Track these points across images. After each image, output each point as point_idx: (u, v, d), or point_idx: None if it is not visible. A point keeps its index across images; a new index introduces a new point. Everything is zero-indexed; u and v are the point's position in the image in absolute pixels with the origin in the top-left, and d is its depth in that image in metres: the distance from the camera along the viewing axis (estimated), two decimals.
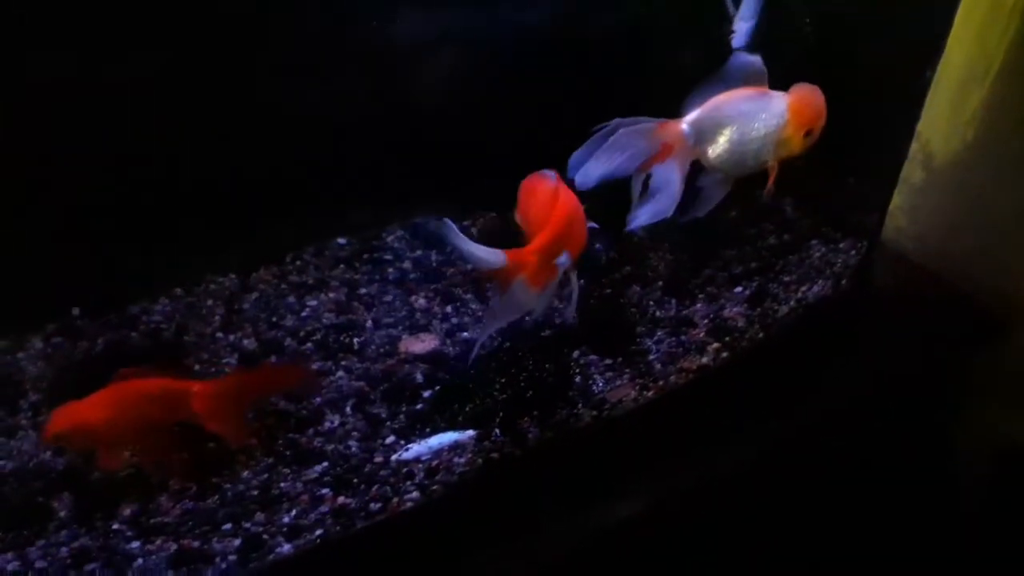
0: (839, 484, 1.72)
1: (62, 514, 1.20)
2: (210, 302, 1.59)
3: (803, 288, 1.64)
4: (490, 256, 1.27)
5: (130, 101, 1.40)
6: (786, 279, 1.66)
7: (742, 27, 1.69)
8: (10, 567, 1.13)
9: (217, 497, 1.22)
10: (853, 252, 1.72)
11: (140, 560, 1.14)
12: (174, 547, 1.16)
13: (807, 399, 1.56)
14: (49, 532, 1.18)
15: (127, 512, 1.20)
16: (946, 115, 1.76)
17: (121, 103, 1.39)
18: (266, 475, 1.26)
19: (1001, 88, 1.65)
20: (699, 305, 1.61)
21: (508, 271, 1.28)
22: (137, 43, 1.38)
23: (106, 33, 1.35)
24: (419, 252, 1.73)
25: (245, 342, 1.50)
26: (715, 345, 1.52)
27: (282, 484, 1.25)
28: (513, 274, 1.28)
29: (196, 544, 1.16)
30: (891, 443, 1.77)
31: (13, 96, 1.30)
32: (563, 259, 1.34)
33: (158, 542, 1.16)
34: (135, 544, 1.16)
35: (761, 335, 1.57)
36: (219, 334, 1.51)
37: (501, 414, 1.36)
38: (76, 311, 1.52)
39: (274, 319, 1.56)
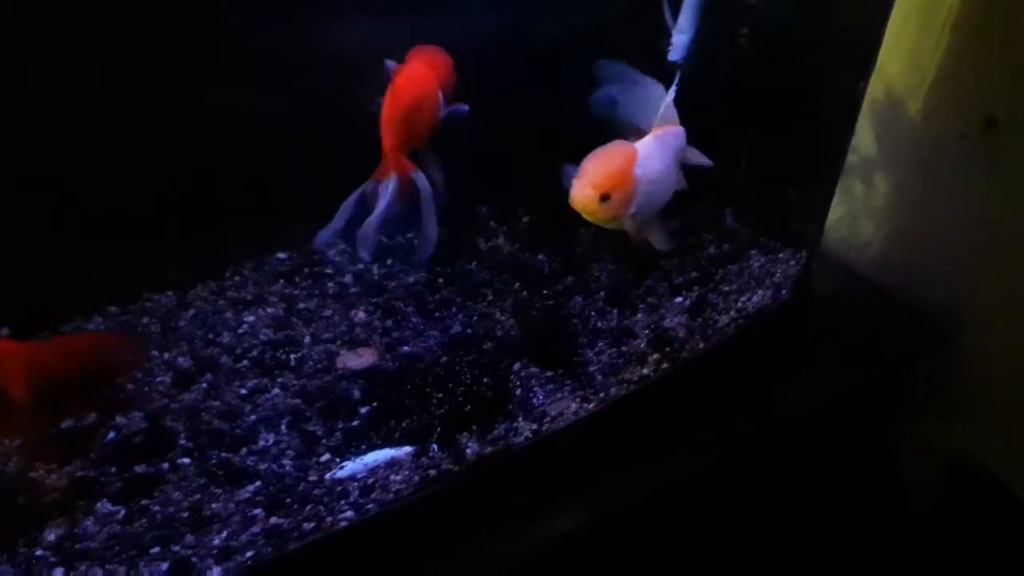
0: (782, 495, 1.73)
1: None
2: (146, 320, 1.56)
3: (743, 298, 1.65)
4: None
5: (66, 113, 1.38)
6: (726, 289, 1.67)
7: (679, 40, 1.70)
8: None
9: (145, 520, 1.20)
10: (793, 263, 1.73)
11: None
12: (100, 574, 1.13)
13: (749, 410, 1.57)
14: None
15: (51, 537, 1.17)
16: (882, 128, 1.78)
17: (57, 115, 1.37)
18: (197, 495, 1.24)
19: (936, 101, 1.68)
20: (640, 315, 1.61)
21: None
22: (75, 55, 1.37)
23: (45, 47, 1.33)
24: (360, 266, 1.72)
25: (180, 360, 1.48)
26: (656, 356, 1.52)
27: (213, 505, 1.23)
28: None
29: (123, 570, 1.14)
30: (835, 455, 1.79)
31: None
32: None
33: (82, 568, 1.13)
34: (58, 571, 1.13)
35: (701, 345, 1.57)
36: (154, 352, 1.49)
37: (439, 429, 1.35)
38: (5, 331, 1.48)
39: (211, 336, 1.54)
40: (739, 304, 1.64)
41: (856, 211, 1.91)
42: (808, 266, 1.75)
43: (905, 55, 1.68)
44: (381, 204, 1.47)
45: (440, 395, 1.40)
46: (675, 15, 1.71)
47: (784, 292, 1.69)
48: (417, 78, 1.48)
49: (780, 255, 1.75)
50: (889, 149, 1.82)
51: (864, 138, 1.83)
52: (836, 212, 1.89)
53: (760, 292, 1.67)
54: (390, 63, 1.45)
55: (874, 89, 1.74)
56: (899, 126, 1.77)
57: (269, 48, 1.52)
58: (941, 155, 1.73)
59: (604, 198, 1.33)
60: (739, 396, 1.56)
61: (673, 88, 1.44)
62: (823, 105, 1.67)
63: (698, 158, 1.54)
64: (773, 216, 1.82)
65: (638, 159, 1.37)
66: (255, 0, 1.50)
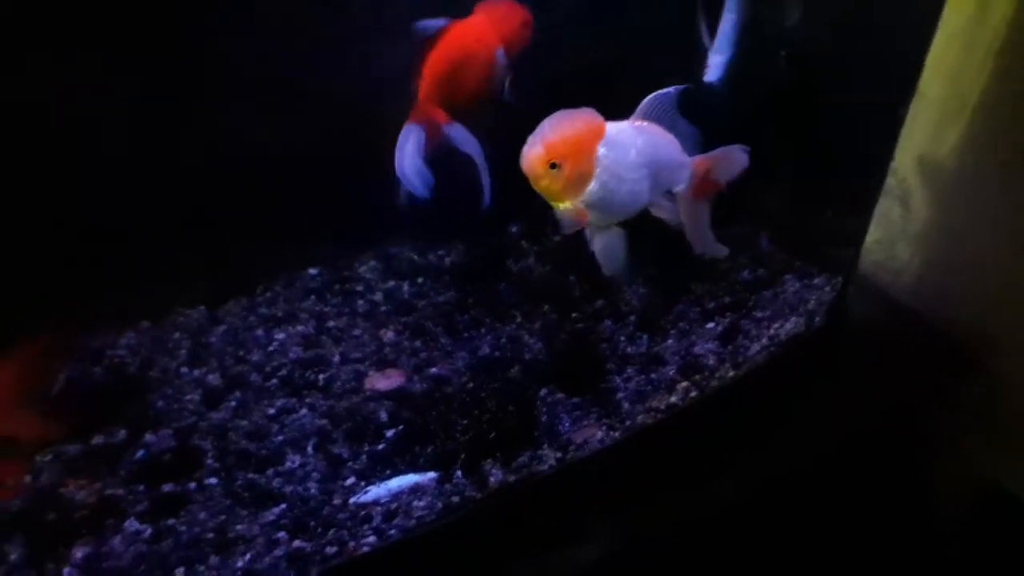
0: (814, 525, 1.70)
1: (12, 557, 1.18)
2: (177, 335, 1.58)
3: (776, 325, 1.62)
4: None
5: (102, 124, 1.40)
6: (759, 315, 1.65)
7: (716, 60, 1.68)
8: None
9: (171, 540, 1.21)
10: (828, 288, 1.70)
11: None
12: None
13: (780, 439, 1.54)
14: None
15: (79, 555, 1.19)
16: (921, 153, 1.75)
17: (91, 127, 1.38)
18: (223, 517, 1.25)
19: (977, 127, 1.64)
20: (670, 341, 1.59)
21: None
22: (104, 69, 1.38)
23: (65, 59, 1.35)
24: (391, 283, 1.72)
25: (210, 377, 1.49)
26: (684, 384, 1.51)
27: (238, 526, 1.24)
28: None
29: None
30: (867, 484, 1.76)
31: None
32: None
33: None
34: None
35: (731, 373, 1.55)
36: (184, 369, 1.50)
37: (463, 455, 1.35)
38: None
39: (241, 353, 1.55)
40: (771, 331, 1.61)
41: (894, 235, 1.87)
42: (843, 292, 1.72)
43: (947, 79, 1.65)
44: (400, 146, 1.42)
45: (466, 420, 1.39)
46: (712, 35, 1.70)
47: (818, 319, 1.67)
48: (472, 29, 1.40)
49: (815, 280, 1.73)
50: (929, 174, 1.78)
51: (903, 162, 1.79)
52: (873, 236, 1.85)
53: (793, 319, 1.64)
54: (425, 23, 1.39)
55: (915, 112, 1.70)
56: (939, 151, 1.73)
57: (308, 63, 1.53)
58: (982, 182, 1.69)
59: (554, 165, 1.19)
60: (768, 426, 1.54)
61: (671, 90, 1.26)
62: (862, 128, 1.64)
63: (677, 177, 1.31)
64: (809, 240, 1.79)
65: (605, 136, 1.22)
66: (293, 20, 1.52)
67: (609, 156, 1.21)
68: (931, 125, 1.73)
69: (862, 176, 1.70)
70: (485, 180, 1.46)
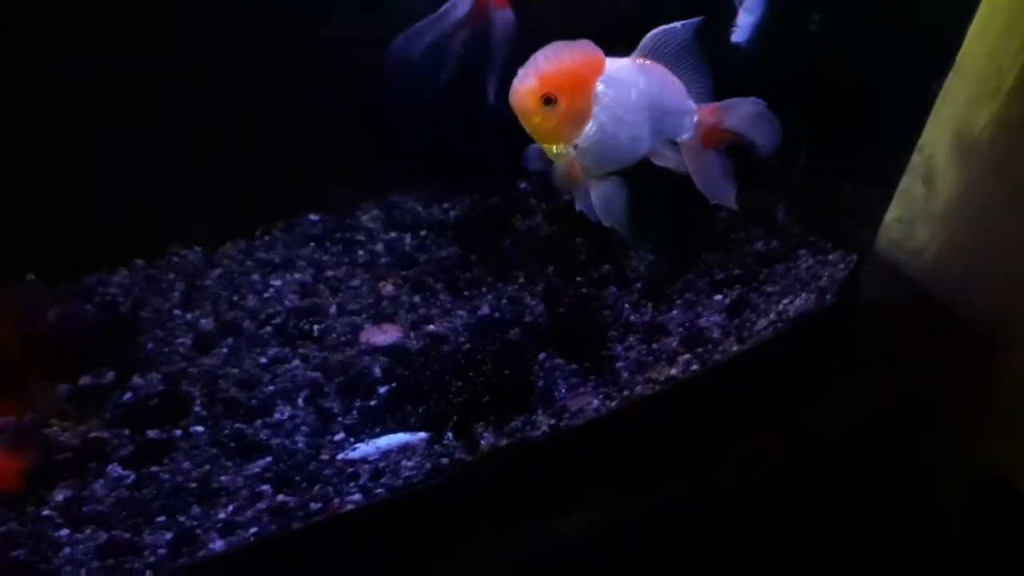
0: (814, 507, 1.68)
1: None
2: (171, 276, 1.55)
3: (785, 301, 1.58)
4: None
5: (101, 71, 1.36)
6: (769, 289, 1.60)
7: (745, 21, 1.61)
8: None
9: (154, 487, 1.19)
10: (842, 266, 1.65)
11: (68, 549, 1.11)
12: (104, 536, 1.13)
13: (782, 418, 1.51)
14: None
15: (60, 497, 1.17)
16: (953, 130, 1.68)
17: (92, 71, 1.35)
18: (207, 467, 1.23)
19: (1012, 108, 1.57)
20: (675, 311, 1.55)
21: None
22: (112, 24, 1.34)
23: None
24: (393, 234, 1.68)
25: (203, 322, 1.46)
26: (687, 356, 1.47)
27: (222, 477, 1.22)
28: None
29: (127, 535, 1.14)
30: (870, 467, 1.73)
31: None
32: None
33: (88, 531, 1.13)
34: (64, 532, 1.13)
35: (736, 348, 1.51)
36: (176, 311, 1.47)
37: (455, 417, 1.32)
38: (31, 276, 1.47)
39: (235, 298, 1.52)
40: (781, 307, 1.57)
41: (914, 214, 1.81)
42: (857, 270, 1.68)
43: (985, 57, 1.57)
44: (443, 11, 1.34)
45: (460, 381, 1.36)
46: None
47: (829, 296, 1.62)
48: None
49: (830, 256, 1.67)
50: (957, 152, 1.71)
51: (931, 138, 1.72)
52: (892, 213, 1.80)
53: (804, 295, 1.60)
54: None
55: (949, 87, 1.63)
56: (971, 129, 1.66)
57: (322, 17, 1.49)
58: (1011, 164, 1.62)
59: (548, 100, 1.07)
60: (771, 404, 1.51)
61: (677, 25, 1.12)
62: (892, 101, 1.57)
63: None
64: (827, 214, 1.74)
65: (605, 71, 1.09)
66: None
67: (608, 94, 1.10)
68: (964, 102, 1.66)
69: (887, 151, 1.63)
70: (492, 81, 1.37)
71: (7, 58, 1.30)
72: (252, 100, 1.51)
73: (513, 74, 1.07)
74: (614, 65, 1.10)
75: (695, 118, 1.18)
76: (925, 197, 1.79)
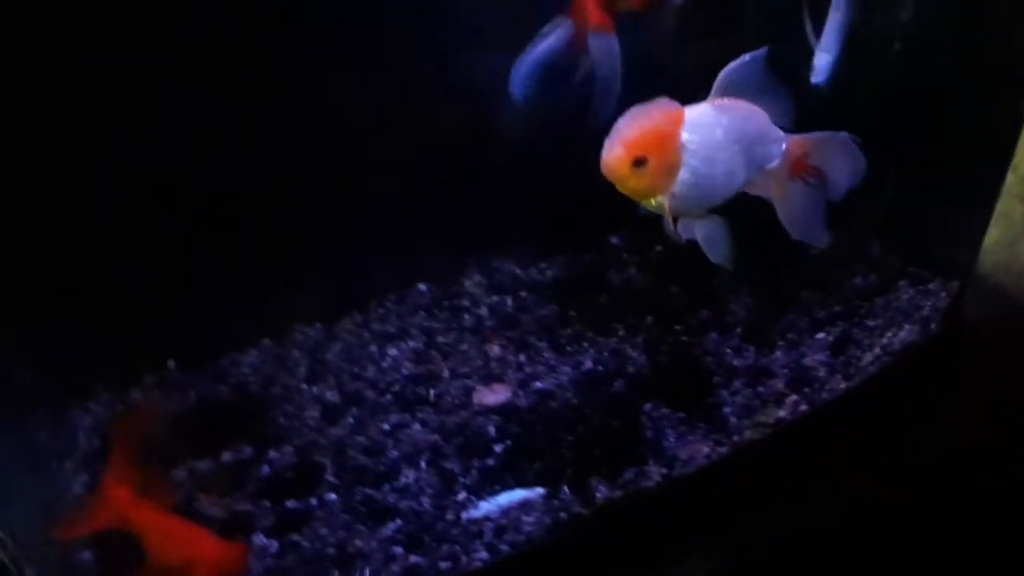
0: (925, 543, 1.64)
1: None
2: (296, 352, 1.66)
3: (889, 333, 1.58)
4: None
5: (219, 153, 1.46)
6: (871, 324, 1.61)
7: (823, 59, 1.63)
8: None
9: (295, 555, 1.29)
10: (944, 294, 1.64)
11: None
12: None
13: (894, 453, 1.50)
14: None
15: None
16: None
17: (210, 155, 1.46)
18: (343, 532, 1.32)
19: None
20: (778, 353, 1.57)
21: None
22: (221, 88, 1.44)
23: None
24: (495, 298, 1.76)
25: (328, 394, 1.57)
26: (793, 397, 1.49)
27: (357, 541, 1.30)
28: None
29: None
30: (985, 504, 1.68)
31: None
32: None
33: None
34: None
35: (843, 385, 1.52)
36: (303, 386, 1.58)
37: (569, 471, 1.37)
38: (172, 363, 1.61)
39: (356, 370, 1.62)
40: (884, 340, 1.57)
41: (1015, 234, 1.78)
42: (960, 296, 1.66)
43: None
44: (539, 42, 1.36)
45: (571, 435, 1.42)
46: (818, 33, 1.65)
47: (933, 326, 1.61)
48: None
49: (930, 286, 1.67)
50: None
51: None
52: (992, 235, 1.77)
53: (908, 327, 1.59)
54: None
55: None
56: None
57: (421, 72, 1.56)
58: None
59: (638, 163, 1.10)
60: (883, 439, 1.50)
61: (745, 57, 1.15)
62: (980, 123, 1.57)
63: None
64: (922, 243, 1.73)
65: (686, 121, 1.14)
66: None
67: (694, 140, 1.14)
68: None
69: (979, 175, 1.63)
70: (603, 103, 1.35)
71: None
72: (360, 177, 1.62)
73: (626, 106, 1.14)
74: (694, 112, 1.15)
75: (783, 146, 1.22)
76: None
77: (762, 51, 1.15)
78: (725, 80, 1.16)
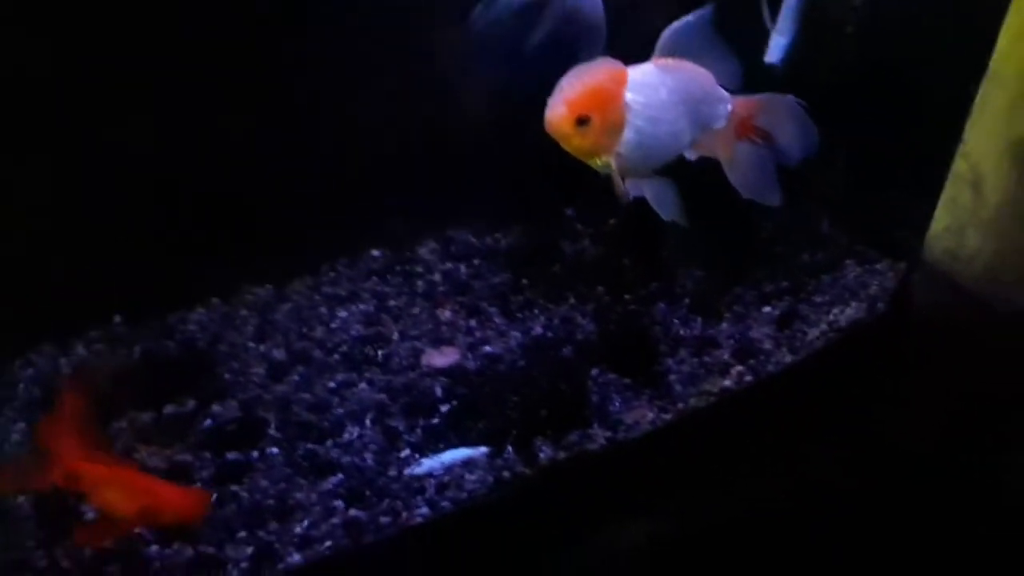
0: (867, 520, 1.67)
1: (88, 515, 1.26)
2: (244, 312, 1.64)
3: (835, 310, 1.61)
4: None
5: (173, 111, 1.46)
6: (818, 300, 1.63)
7: (778, 42, 1.65)
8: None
9: (235, 505, 1.27)
10: (891, 274, 1.67)
11: (157, 563, 1.20)
12: (190, 552, 1.21)
13: (838, 428, 1.52)
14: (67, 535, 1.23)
15: None
16: (998, 136, 1.69)
17: (165, 113, 1.45)
18: (283, 485, 1.31)
19: None
20: (725, 325, 1.59)
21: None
22: (179, 50, 1.43)
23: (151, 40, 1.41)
24: (449, 265, 1.76)
25: (275, 352, 1.55)
26: (739, 368, 1.51)
27: (297, 494, 1.29)
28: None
29: (211, 550, 1.22)
30: (924, 486, 1.71)
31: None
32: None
33: (175, 546, 1.22)
34: (153, 548, 1.21)
35: (789, 359, 1.54)
36: (250, 344, 1.57)
37: (514, 432, 1.38)
38: (118, 318, 1.59)
39: (304, 330, 1.61)
40: (831, 316, 1.60)
41: (963, 222, 1.82)
42: (907, 278, 1.69)
43: (1022, 62, 1.59)
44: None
45: (517, 398, 1.42)
46: (774, 15, 1.67)
47: (880, 305, 1.64)
48: None
49: (877, 266, 1.70)
50: (1003, 159, 1.72)
51: (976, 145, 1.74)
52: (941, 222, 1.80)
53: (854, 304, 1.62)
54: None
55: (987, 92, 1.65)
56: (1014, 133, 1.67)
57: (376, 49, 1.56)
58: None
59: (581, 121, 1.11)
60: (826, 415, 1.52)
61: (688, 18, 1.16)
62: (930, 108, 1.60)
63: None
64: (871, 224, 1.76)
65: (629, 80, 1.14)
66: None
67: (638, 100, 1.14)
68: (1006, 107, 1.67)
69: (929, 159, 1.66)
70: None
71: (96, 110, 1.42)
72: (313, 146, 1.61)
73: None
74: (638, 72, 1.16)
75: (728, 107, 1.23)
76: (973, 203, 1.79)
77: (706, 10, 1.16)
78: (669, 40, 1.17)
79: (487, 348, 1.55)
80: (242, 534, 1.23)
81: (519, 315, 1.63)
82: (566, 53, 1.32)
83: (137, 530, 1.22)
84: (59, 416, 1.19)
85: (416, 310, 1.65)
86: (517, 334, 1.58)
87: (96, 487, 1.17)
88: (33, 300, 1.42)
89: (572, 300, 1.64)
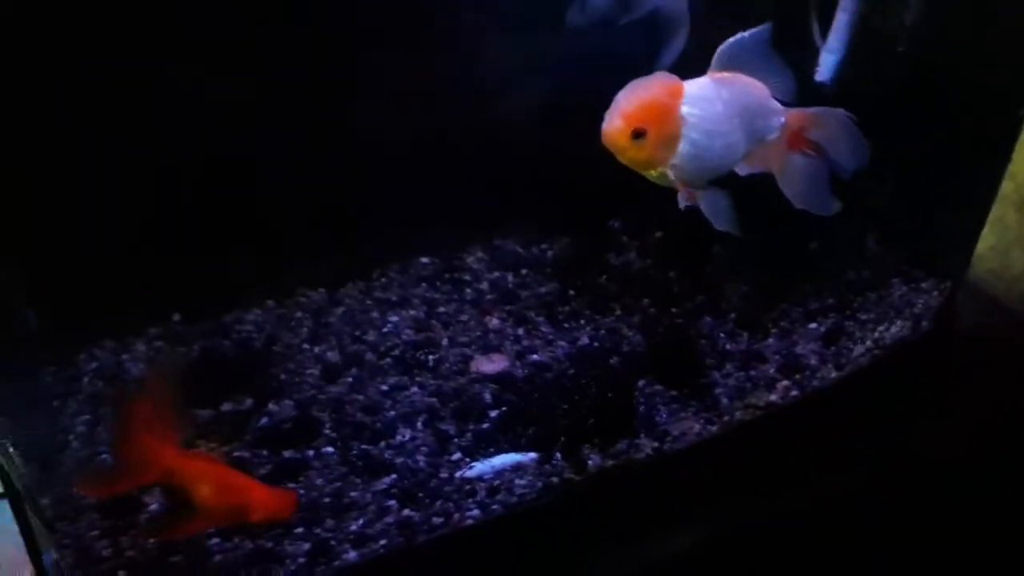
0: (908, 541, 1.68)
1: (152, 507, 1.30)
2: (299, 314, 1.68)
3: (881, 328, 1.62)
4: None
5: (238, 116, 1.48)
6: (863, 318, 1.65)
7: (828, 60, 1.67)
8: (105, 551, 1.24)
9: None
10: (936, 293, 1.68)
11: (219, 556, 1.24)
12: (250, 546, 1.25)
13: (879, 446, 1.54)
14: (138, 524, 1.27)
15: None
16: None
17: (231, 117, 1.47)
18: (338, 483, 1.35)
19: None
20: (771, 340, 1.61)
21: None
22: (244, 60, 1.46)
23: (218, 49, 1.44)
24: (496, 274, 1.79)
25: (329, 354, 1.59)
26: (785, 383, 1.52)
27: (352, 493, 1.33)
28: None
29: (269, 545, 1.25)
30: (965, 502, 1.72)
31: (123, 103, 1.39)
32: None
33: (235, 540, 1.25)
34: (215, 540, 1.25)
35: (834, 375, 1.56)
36: (305, 345, 1.61)
37: (563, 439, 1.40)
38: (176, 316, 1.63)
39: (357, 333, 1.64)
40: (876, 334, 1.61)
41: (1009, 242, 1.83)
42: (952, 298, 1.70)
43: None
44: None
45: (565, 405, 1.45)
46: (824, 33, 1.69)
47: (925, 324, 1.65)
48: None
49: (923, 284, 1.71)
50: None
51: (1021, 166, 1.75)
52: (987, 242, 1.82)
53: (899, 323, 1.63)
54: None
55: None
56: None
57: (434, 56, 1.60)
58: None
59: (637, 134, 1.13)
60: (870, 431, 1.54)
61: (744, 34, 1.18)
62: (979, 129, 1.61)
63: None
64: (918, 242, 1.77)
65: (684, 95, 1.16)
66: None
67: (694, 112, 1.16)
68: None
69: (976, 179, 1.67)
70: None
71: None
72: (367, 154, 1.65)
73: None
74: (693, 85, 1.18)
75: (782, 119, 1.25)
76: (1019, 224, 1.81)
77: (764, 28, 1.18)
78: (725, 54, 1.19)
79: (535, 356, 1.58)
80: (299, 530, 1.27)
81: (566, 325, 1.65)
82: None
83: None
84: (148, 413, 1.21)
85: (464, 317, 1.68)
86: (564, 343, 1.60)
87: (194, 483, 1.19)
88: (96, 297, 1.46)
89: (618, 312, 1.67)
